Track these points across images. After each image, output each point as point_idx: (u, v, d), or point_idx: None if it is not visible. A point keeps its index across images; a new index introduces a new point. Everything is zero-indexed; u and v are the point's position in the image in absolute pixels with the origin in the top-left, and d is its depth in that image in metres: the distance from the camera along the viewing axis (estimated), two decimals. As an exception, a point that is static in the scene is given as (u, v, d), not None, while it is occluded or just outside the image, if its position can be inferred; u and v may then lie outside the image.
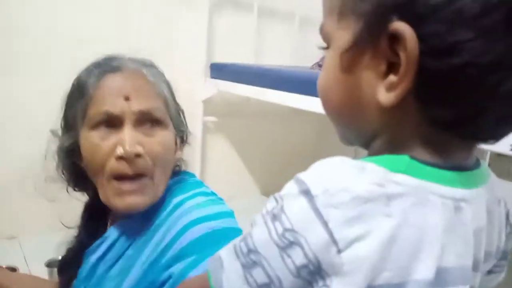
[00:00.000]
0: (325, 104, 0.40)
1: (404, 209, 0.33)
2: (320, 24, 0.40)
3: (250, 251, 0.34)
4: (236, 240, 0.36)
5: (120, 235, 0.69)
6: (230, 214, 0.66)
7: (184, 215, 0.64)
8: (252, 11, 2.12)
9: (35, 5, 1.70)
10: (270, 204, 0.35)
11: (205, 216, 0.63)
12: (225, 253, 0.37)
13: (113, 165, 0.64)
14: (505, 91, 0.32)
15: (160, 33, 1.97)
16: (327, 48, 0.39)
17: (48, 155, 0.73)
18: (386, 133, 0.37)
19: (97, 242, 0.71)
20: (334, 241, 0.31)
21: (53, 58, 1.74)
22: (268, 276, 0.33)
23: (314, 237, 0.32)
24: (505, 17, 0.30)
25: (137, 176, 0.64)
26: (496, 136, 0.36)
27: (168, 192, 0.69)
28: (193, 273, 0.57)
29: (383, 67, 0.34)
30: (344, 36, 0.36)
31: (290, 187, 0.34)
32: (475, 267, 0.38)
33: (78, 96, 0.67)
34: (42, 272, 1.28)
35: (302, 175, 0.34)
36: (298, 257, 0.32)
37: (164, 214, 0.66)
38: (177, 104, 0.74)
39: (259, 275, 0.34)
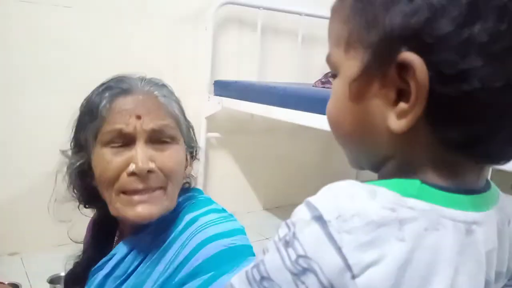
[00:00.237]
0: (335, 131, 0.41)
1: (416, 233, 0.32)
2: (327, 53, 0.40)
3: (263, 278, 0.34)
4: (248, 267, 0.36)
5: (129, 252, 0.69)
6: (242, 231, 0.67)
7: (198, 232, 0.64)
8: (256, 29, 2.15)
9: (42, 24, 1.72)
10: (282, 230, 0.34)
11: (219, 234, 0.63)
12: (237, 280, 0.36)
13: (124, 180, 0.64)
14: None
15: (166, 51, 2.00)
16: (334, 76, 0.40)
17: (58, 174, 0.73)
18: (397, 157, 0.37)
19: (105, 259, 0.71)
20: (348, 267, 0.31)
21: (60, 76, 1.76)
22: None
23: (328, 263, 0.31)
24: None
25: (148, 189, 0.64)
26: (508, 157, 0.36)
27: (179, 209, 0.70)
28: None
29: (392, 95, 0.34)
30: (352, 66, 0.36)
31: (302, 213, 0.33)
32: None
33: (90, 119, 0.68)
34: (45, 289, 1.27)
35: (313, 200, 0.34)
36: (312, 284, 0.32)
37: (177, 230, 0.66)
38: (187, 121, 0.75)
39: None
